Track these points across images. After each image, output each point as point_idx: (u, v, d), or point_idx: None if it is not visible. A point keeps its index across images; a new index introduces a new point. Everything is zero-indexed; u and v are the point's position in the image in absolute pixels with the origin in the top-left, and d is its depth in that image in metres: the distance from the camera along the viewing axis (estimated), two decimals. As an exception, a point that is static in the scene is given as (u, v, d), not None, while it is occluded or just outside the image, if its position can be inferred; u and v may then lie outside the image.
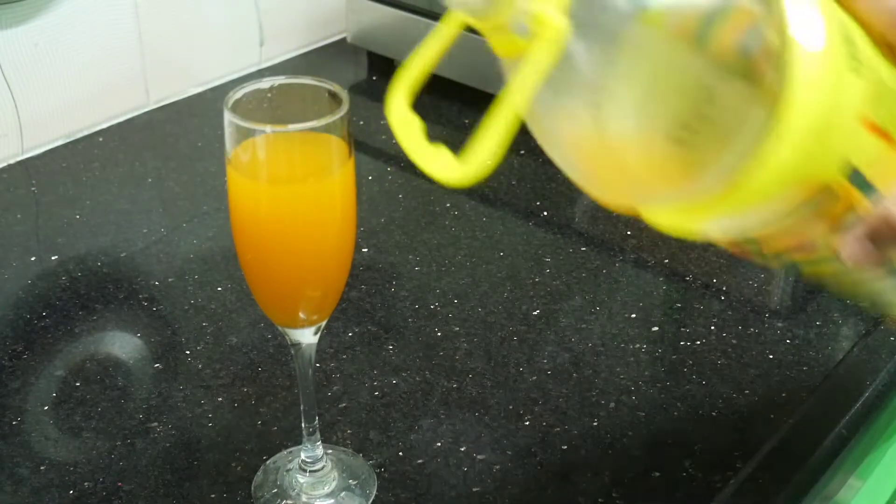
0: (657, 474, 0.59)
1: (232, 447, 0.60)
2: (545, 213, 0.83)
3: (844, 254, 0.37)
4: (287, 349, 0.66)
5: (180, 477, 0.58)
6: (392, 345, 0.68)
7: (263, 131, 0.45)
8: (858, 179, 0.36)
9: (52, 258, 0.77)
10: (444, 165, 0.38)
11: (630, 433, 0.62)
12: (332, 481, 0.58)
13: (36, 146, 0.91)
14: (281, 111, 0.48)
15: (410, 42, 1.13)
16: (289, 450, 0.60)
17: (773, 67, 0.33)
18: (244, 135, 0.46)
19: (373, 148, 0.92)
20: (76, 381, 0.65)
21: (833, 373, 0.66)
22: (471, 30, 0.99)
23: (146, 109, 0.97)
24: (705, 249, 0.78)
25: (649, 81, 0.35)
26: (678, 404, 0.64)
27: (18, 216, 0.82)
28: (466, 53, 0.95)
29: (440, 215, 0.82)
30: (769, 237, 0.39)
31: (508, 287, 0.74)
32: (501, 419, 0.63)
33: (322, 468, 0.57)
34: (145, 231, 0.80)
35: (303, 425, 0.56)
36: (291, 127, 0.45)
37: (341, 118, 0.46)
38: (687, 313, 0.72)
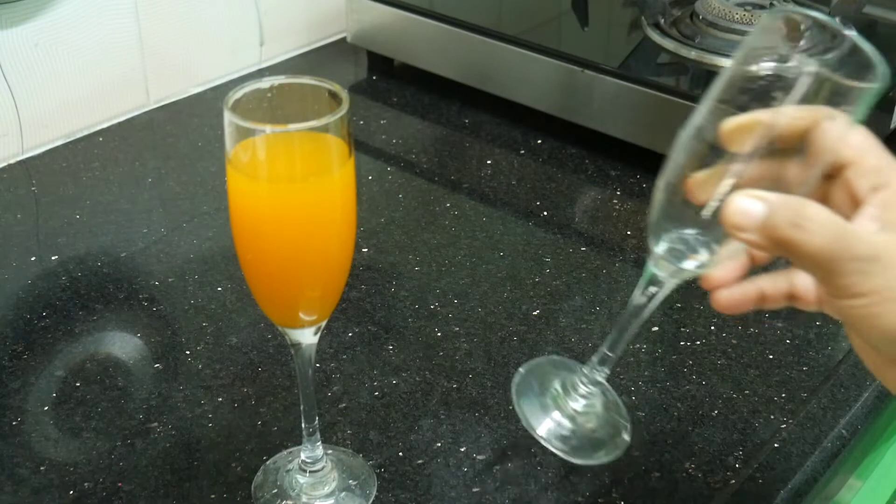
0: (657, 474, 0.59)
1: (232, 447, 0.60)
2: (545, 213, 0.83)
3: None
4: (287, 349, 0.66)
5: (180, 477, 0.58)
6: (392, 345, 0.68)
7: (263, 131, 0.45)
8: None
9: (52, 258, 0.77)
10: None
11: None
12: (332, 481, 0.58)
13: (36, 146, 0.91)
14: (281, 111, 0.48)
15: (410, 42, 1.14)
16: (289, 450, 0.60)
17: None
18: (244, 134, 0.46)
19: (373, 148, 0.92)
20: (76, 381, 0.65)
21: (833, 373, 0.66)
22: (470, 29, 0.99)
23: (146, 109, 0.97)
24: (705, 249, 0.78)
25: None
26: (678, 404, 0.64)
27: (18, 216, 0.82)
28: (466, 53, 0.95)
29: (440, 215, 0.82)
30: None
31: (508, 287, 0.74)
32: (501, 419, 0.63)
33: (322, 468, 0.57)
34: (145, 231, 0.80)
35: (303, 425, 0.56)
36: (291, 127, 0.45)
37: (341, 118, 0.46)
38: (687, 313, 0.72)
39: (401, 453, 0.60)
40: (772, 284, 0.47)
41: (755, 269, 0.48)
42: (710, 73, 0.87)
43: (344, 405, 0.64)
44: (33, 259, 0.76)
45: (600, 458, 0.56)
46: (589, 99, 0.88)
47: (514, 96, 0.94)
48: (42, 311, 0.71)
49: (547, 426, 0.56)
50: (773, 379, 0.66)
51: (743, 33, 0.88)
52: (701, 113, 0.44)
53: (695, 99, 0.82)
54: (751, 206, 0.41)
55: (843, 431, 0.62)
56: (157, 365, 0.67)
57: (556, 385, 0.57)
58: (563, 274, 0.76)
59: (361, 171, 0.88)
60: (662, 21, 0.93)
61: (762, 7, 0.90)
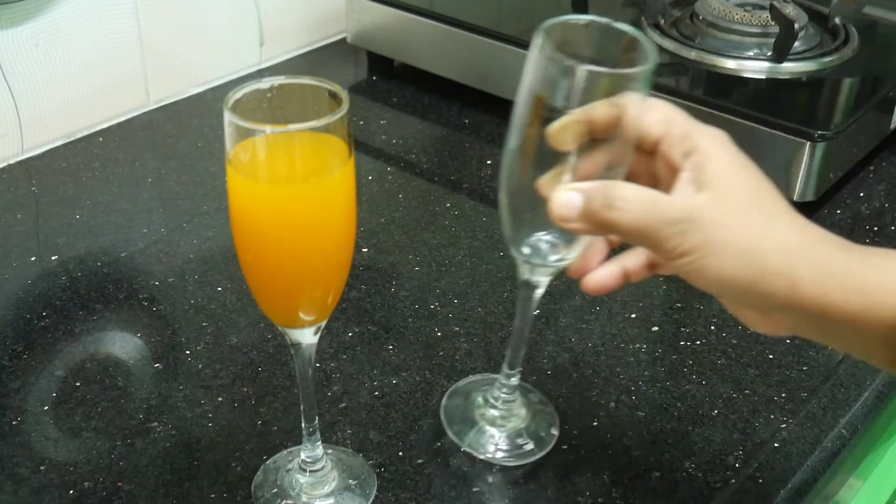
0: (657, 474, 0.59)
1: (232, 447, 0.60)
2: (545, 213, 0.83)
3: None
4: (287, 349, 0.66)
5: (180, 477, 0.58)
6: (392, 345, 0.68)
7: (263, 131, 0.45)
8: None
9: (52, 258, 0.77)
10: None
11: (630, 433, 0.62)
12: (332, 481, 0.58)
13: (36, 146, 0.91)
14: (281, 111, 0.48)
15: (410, 42, 1.13)
16: (289, 450, 0.60)
17: None
18: (244, 135, 0.46)
19: (373, 148, 0.92)
20: (76, 381, 0.65)
21: (833, 373, 0.66)
22: (470, 29, 0.99)
23: (146, 109, 0.98)
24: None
25: None
26: (678, 404, 0.64)
27: (18, 216, 0.82)
28: (466, 53, 0.95)
29: (440, 215, 0.82)
30: None
31: (508, 287, 0.74)
32: (540, 395, 0.63)
33: (322, 468, 0.57)
34: (145, 231, 0.80)
35: (303, 425, 0.56)
36: (291, 127, 0.45)
37: (341, 118, 0.46)
38: (687, 313, 0.72)
39: (401, 453, 0.60)
40: (632, 259, 0.51)
41: (614, 250, 0.53)
42: (709, 74, 0.87)
43: (344, 405, 0.64)
44: (33, 259, 0.76)
45: (534, 455, 0.59)
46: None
47: (514, 96, 0.93)
48: (42, 311, 0.71)
49: (478, 440, 0.59)
50: (773, 379, 0.66)
51: (743, 33, 0.89)
52: (513, 135, 0.49)
53: (695, 99, 0.83)
54: (570, 198, 0.46)
55: (843, 431, 0.62)
56: (157, 365, 0.67)
57: (479, 399, 0.61)
58: (563, 274, 0.75)
59: (361, 171, 0.88)
60: (662, 21, 0.93)
61: (762, 7, 0.90)
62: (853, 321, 0.43)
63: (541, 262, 0.52)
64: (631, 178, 0.48)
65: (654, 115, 0.47)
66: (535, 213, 0.48)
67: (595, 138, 0.47)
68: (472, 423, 0.60)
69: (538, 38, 0.46)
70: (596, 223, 0.45)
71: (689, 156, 0.46)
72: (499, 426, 0.60)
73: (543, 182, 0.48)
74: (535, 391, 0.63)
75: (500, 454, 0.59)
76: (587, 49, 0.48)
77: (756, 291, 0.44)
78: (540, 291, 0.55)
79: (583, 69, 0.45)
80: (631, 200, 0.44)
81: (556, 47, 0.46)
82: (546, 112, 0.46)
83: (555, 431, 0.60)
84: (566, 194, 0.46)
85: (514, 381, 0.60)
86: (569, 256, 0.51)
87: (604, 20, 0.48)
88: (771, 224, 0.44)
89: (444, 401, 0.61)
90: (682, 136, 0.46)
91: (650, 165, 0.48)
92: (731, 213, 0.44)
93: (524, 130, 0.48)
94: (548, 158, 0.47)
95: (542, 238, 0.51)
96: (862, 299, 0.43)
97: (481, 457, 0.59)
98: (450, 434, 0.59)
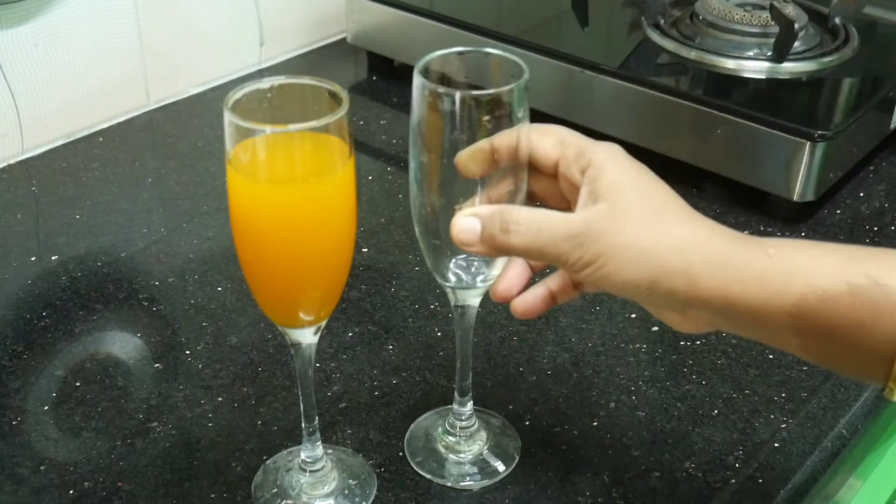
0: (657, 474, 0.59)
1: (232, 447, 0.60)
2: (545, 213, 0.83)
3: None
4: (287, 349, 0.66)
5: (180, 477, 0.58)
6: (392, 345, 0.68)
7: (263, 131, 0.45)
8: None
9: (52, 258, 0.77)
10: None
11: (630, 433, 0.62)
12: (332, 481, 0.58)
13: (36, 146, 0.91)
14: (281, 111, 0.48)
15: (410, 42, 1.13)
16: (289, 450, 0.60)
17: None
18: (244, 135, 0.46)
19: (373, 148, 0.92)
20: (76, 381, 0.65)
21: (833, 373, 0.66)
22: (470, 29, 0.99)
23: (146, 109, 0.98)
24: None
25: None
26: (678, 404, 0.64)
27: (18, 216, 0.82)
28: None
29: (440, 215, 0.82)
30: None
31: (508, 287, 0.74)
32: (501, 419, 0.63)
33: (322, 468, 0.57)
34: (145, 231, 0.80)
35: (303, 425, 0.56)
36: (291, 127, 0.45)
37: (341, 118, 0.46)
38: (687, 313, 0.72)
39: (401, 453, 0.60)
40: (558, 280, 0.53)
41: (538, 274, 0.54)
42: (709, 74, 0.87)
43: (344, 405, 0.64)
44: (33, 259, 0.76)
45: (501, 475, 0.59)
46: (589, 99, 0.88)
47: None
48: (42, 311, 0.71)
49: (448, 470, 0.59)
50: (773, 379, 0.66)
51: (743, 33, 0.89)
52: (412, 167, 0.51)
53: (695, 99, 0.83)
54: (470, 224, 0.47)
55: (843, 431, 0.62)
56: (157, 365, 0.67)
57: (439, 431, 0.61)
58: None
59: (361, 171, 0.88)
60: (662, 21, 0.93)
61: (762, 7, 0.90)
62: (756, 312, 0.44)
63: (470, 285, 0.54)
64: (543, 202, 0.50)
65: (549, 139, 0.49)
66: (446, 239, 0.50)
67: (501, 165, 0.49)
68: (435, 453, 0.60)
69: (416, 74, 0.48)
70: (496, 246, 0.47)
71: (585, 171, 0.47)
72: (462, 451, 0.60)
73: (460, 210, 0.49)
74: (495, 414, 0.63)
75: (463, 479, 0.58)
76: (466, 77, 0.51)
77: (660, 291, 0.45)
78: (474, 311, 0.56)
79: (457, 94, 0.47)
80: (523, 223, 0.46)
81: (435, 80, 0.48)
82: (437, 140, 0.49)
83: (516, 455, 0.60)
84: (466, 220, 0.48)
85: (468, 406, 0.60)
86: (492, 274, 0.53)
87: (472, 48, 0.51)
88: (666, 224, 0.45)
89: (406, 436, 0.61)
90: (576, 154, 0.48)
91: (558, 188, 0.50)
92: (626, 219, 0.45)
93: (420, 161, 0.50)
94: (448, 186, 0.49)
95: (462, 262, 0.53)
96: (760, 289, 0.44)
97: (448, 484, 0.58)
98: (414, 466, 0.59)
